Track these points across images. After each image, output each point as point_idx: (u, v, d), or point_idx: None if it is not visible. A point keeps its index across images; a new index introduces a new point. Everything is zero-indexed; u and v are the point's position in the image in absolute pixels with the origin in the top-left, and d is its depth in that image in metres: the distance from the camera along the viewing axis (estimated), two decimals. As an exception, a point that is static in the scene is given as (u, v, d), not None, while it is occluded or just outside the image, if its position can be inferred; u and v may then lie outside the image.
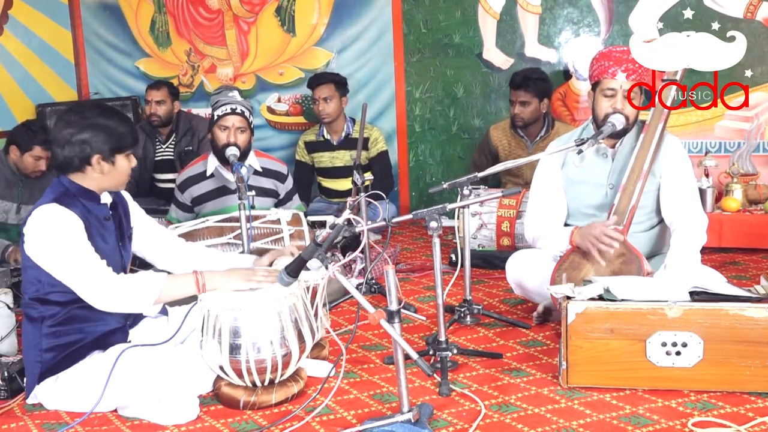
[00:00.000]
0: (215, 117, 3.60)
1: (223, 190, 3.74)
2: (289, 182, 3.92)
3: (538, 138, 4.54)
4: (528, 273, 3.14)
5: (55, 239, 2.36)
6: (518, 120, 4.51)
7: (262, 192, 3.71)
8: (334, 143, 5.05)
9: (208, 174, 3.74)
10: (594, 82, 3.05)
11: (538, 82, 4.48)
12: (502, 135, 4.69)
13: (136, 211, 2.74)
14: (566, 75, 5.11)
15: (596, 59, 3.05)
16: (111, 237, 2.55)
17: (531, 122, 4.51)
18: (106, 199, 2.56)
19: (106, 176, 2.48)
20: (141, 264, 3.14)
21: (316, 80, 4.96)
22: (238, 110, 3.58)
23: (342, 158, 5.04)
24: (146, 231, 2.76)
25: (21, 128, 4.05)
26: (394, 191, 5.47)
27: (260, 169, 3.75)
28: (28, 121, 4.21)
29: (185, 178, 3.80)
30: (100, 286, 2.39)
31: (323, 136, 5.06)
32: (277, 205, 3.85)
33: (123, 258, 2.61)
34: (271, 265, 2.79)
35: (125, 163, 2.52)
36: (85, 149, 2.42)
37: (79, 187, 2.47)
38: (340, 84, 4.95)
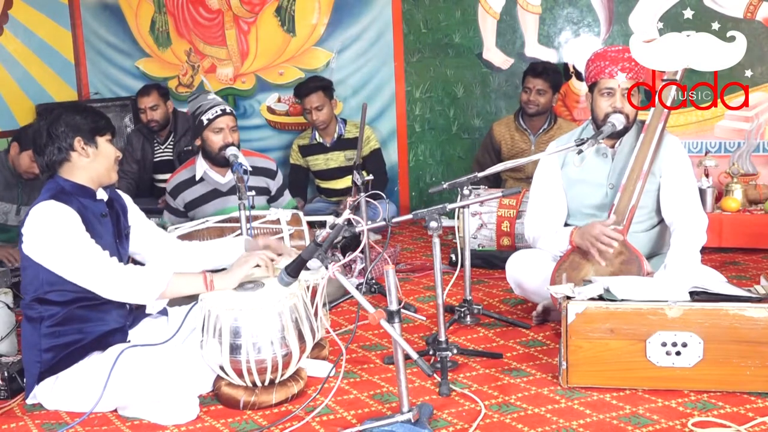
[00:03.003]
0: (205, 121, 3.56)
1: (215, 193, 3.73)
2: (279, 178, 3.92)
3: (540, 131, 4.60)
4: (528, 273, 3.14)
5: (54, 234, 2.36)
6: (532, 106, 4.56)
7: (254, 190, 3.70)
8: (328, 145, 5.06)
9: (197, 179, 3.73)
10: (591, 83, 3.06)
11: (556, 74, 4.63)
12: (505, 130, 4.73)
13: (134, 211, 2.74)
14: (566, 74, 5.11)
15: (592, 60, 3.05)
16: (108, 234, 2.55)
17: (543, 111, 4.58)
18: (102, 195, 2.58)
19: (93, 162, 2.51)
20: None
21: (304, 90, 4.92)
22: (228, 110, 3.59)
23: (336, 159, 5.05)
24: (143, 232, 2.76)
25: (26, 128, 4.15)
26: (395, 191, 5.48)
27: (250, 168, 3.75)
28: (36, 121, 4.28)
29: (175, 184, 3.78)
30: (106, 275, 2.39)
31: (316, 139, 5.07)
32: (269, 202, 3.85)
33: (121, 255, 2.61)
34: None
35: (108, 147, 2.55)
36: (65, 137, 2.46)
37: (73, 184, 2.49)
38: (327, 89, 4.94)
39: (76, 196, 2.47)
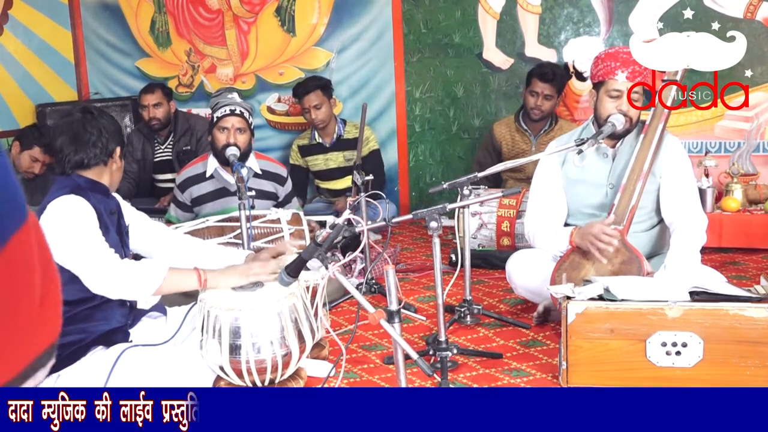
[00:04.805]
0: (215, 119, 3.62)
1: (222, 192, 3.74)
2: (288, 185, 3.93)
3: (542, 132, 4.60)
4: (528, 273, 3.14)
5: (71, 227, 2.38)
6: (537, 112, 4.53)
7: (262, 194, 3.71)
8: (327, 145, 5.06)
9: (207, 175, 3.74)
10: (597, 82, 3.04)
11: (563, 79, 4.62)
12: (506, 130, 4.73)
13: (128, 209, 2.76)
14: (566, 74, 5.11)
15: (602, 59, 3.02)
16: (115, 231, 2.57)
17: (546, 116, 4.57)
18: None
19: (117, 171, 2.58)
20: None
21: (302, 89, 4.93)
22: (237, 111, 3.59)
23: (335, 160, 5.05)
24: (141, 227, 2.77)
25: (29, 127, 4.29)
26: (395, 191, 5.47)
27: (260, 172, 3.75)
28: (39, 123, 4.38)
29: (185, 178, 3.80)
30: (104, 270, 2.39)
31: (315, 139, 5.07)
32: (275, 207, 3.85)
33: (125, 252, 2.63)
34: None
35: (121, 159, 2.63)
36: (110, 142, 2.51)
37: (89, 181, 2.50)
38: (326, 88, 4.94)
39: (91, 192, 2.49)
